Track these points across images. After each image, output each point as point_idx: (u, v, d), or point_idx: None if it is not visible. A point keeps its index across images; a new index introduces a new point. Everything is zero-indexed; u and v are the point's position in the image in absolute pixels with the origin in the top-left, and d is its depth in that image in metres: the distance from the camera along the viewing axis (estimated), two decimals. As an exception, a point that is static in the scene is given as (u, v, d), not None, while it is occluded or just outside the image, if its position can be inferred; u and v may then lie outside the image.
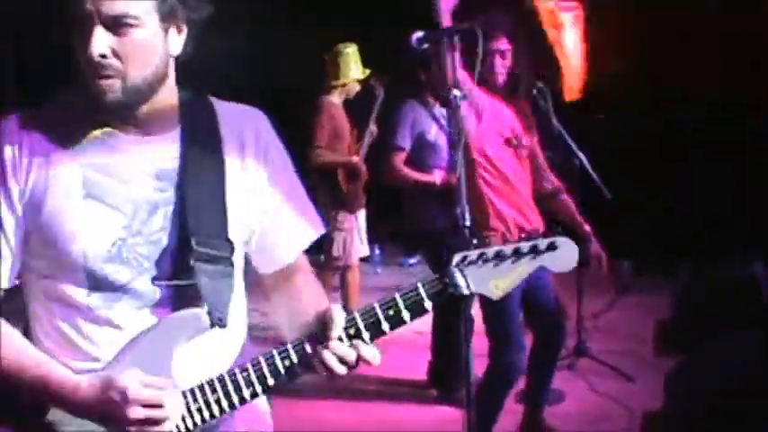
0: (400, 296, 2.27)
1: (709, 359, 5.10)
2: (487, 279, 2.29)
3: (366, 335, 2.25)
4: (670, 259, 7.70)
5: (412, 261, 10.59)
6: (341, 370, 2.25)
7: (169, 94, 2.26)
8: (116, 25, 2.08)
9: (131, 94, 2.14)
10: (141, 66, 2.13)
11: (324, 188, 7.09)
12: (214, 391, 2.19)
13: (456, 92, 4.03)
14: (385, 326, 2.26)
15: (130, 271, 2.19)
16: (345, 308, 7.19)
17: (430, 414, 6.00)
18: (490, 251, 2.29)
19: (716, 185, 9.04)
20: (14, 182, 2.17)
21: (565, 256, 2.32)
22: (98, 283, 2.18)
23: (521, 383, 6.17)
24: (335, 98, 7.31)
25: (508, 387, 5.18)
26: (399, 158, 5.97)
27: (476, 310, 6.12)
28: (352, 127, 7.40)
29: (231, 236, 2.27)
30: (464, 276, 2.29)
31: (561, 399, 6.09)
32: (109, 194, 2.19)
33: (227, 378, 2.19)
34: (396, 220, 6.31)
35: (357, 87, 7.37)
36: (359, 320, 2.24)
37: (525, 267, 2.30)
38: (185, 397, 2.18)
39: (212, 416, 2.19)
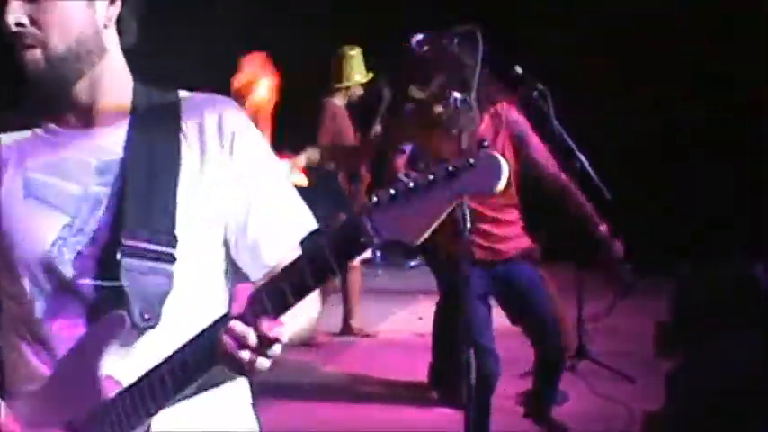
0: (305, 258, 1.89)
1: (709, 359, 5.10)
2: (399, 219, 1.82)
3: (269, 306, 1.86)
4: (670, 260, 7.71)
5: (412, 263, 10.60)
6: (244, 356, 1.85)
7: (114, 82, 2.12)
8: None
9: (56, 64, 2.00)
10: (62, 33, 2.00)
11: (324, 189, 7.10)
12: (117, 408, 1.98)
13: (456, 94, 4.05)
14: (290, 297, 1.87)
15: (73, 272, 2.06)
16: (347, 310, 7.17)
17: (430, 416, 6.01)
18: (400, 187, 1.82)
19: (716, 185, 9.05)
20: None
21: (486, 172, 1.80)
22: (42, 288, 2.07)
23: (525, 384, 6.20)
24: (339, 100, 7.35)
25: (489, 393, 5.20)
26: (401, 160, 5.96)
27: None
28: (355, 129, 7.42)
29: (181, 230, 2.05)
30: (371, 221, 1.82)
31: (565, 399, 6.09)
32: (50, 193, 2.08)
33: (130, 392, 1.98)
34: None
35: (360, 91, 7.39)
36: (262, 294, 1.89)
37: (442, 199, 1.81)
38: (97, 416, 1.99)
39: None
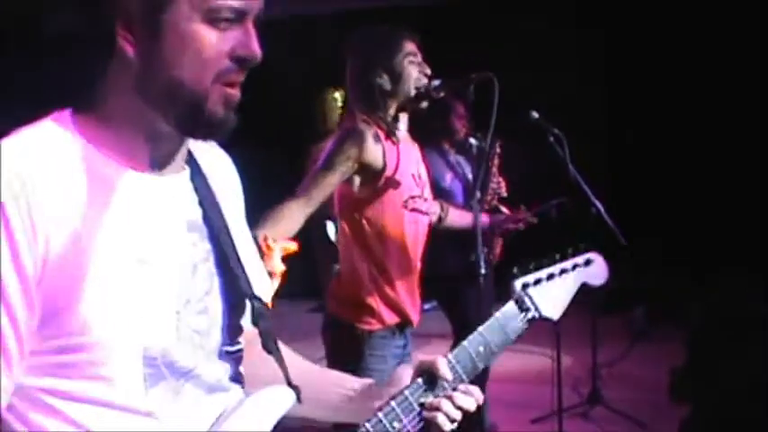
0: (483, 329, 2.23)
1: (723, 406, 5.10)
2: (548, 300, 2.38)
3: (465, 377, 2.14)
4: (685, 304, 7.71)
5: (427, 307, 10.58)
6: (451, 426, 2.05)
7: None
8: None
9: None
10: None
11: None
12: None
13: (472, 140, 4.10)
14: (479, 364, 2.19)
15: (193, 350, 1.76)
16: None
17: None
18: (543, 273, 2.40)
19: (726, 228, 9.06)
20: (26, 253, 1.57)
21: (599, 269, 2.56)
22: (159, 375, 1.71)
23: (538, 429, 6.19)
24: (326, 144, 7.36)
25: None
26: (413, 203, 5.99)
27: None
28: None
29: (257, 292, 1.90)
30: (531, 299, 2.35)
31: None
32: (154, 254, 1.70)
33: None
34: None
35: None
36: (456, 365, 2.13)
37: (572, 284, 2.46)
38: None
39: None
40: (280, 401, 1.87)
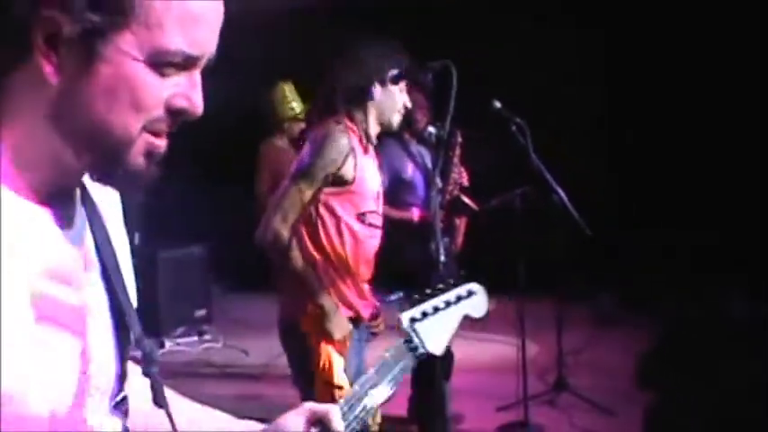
0: (375, 372, 2.19)
1: (689, 393, 5.13)
2: (432, 334, 2.36)
3: (357, 425, 2.04)
4: (651, 293, 7.76)
5: (393, 298, 10.58)
6: None
7: None
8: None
9: None
10: None
11: None
12: None
13: (432, 129, 4.08)
14: (371, 408, 2.13)
15: (98, 412, 1.54)
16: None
17: (410, 450, 5.99)
18: (429, 306, 2.38)
19: (700, 218, 9.10)
20: None
21: (480, 300, 2.53)
22: None
23: (501, 418, 6.21)
24: (278, 141, 7.29)
25: None
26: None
27: (454, 345, 6.15)
28: None
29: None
30: (417, 334, 2.34)
31: (541, 433, 6.10)
32: (58, 309, 1.42)
33: None
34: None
35: (299, 126, 7.36)
36: (348, 412, 2.04)
37: (455, 317, 2.44)
38: None
39: None
40: None
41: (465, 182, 5.94)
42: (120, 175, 1.43)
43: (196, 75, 1.43)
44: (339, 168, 3.91)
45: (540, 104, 7.71)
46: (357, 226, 4.04)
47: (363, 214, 4.02)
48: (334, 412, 1.92)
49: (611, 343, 8.34)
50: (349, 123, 4.01)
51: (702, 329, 6.33)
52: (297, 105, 7.26)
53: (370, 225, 4.08)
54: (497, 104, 6.10)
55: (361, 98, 4.03)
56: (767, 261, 7.26)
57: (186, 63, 1.40)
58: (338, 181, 3.95)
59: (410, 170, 5.94)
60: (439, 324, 2.39)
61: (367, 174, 4.03)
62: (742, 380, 5.19)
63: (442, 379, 4.11)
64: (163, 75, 1.38)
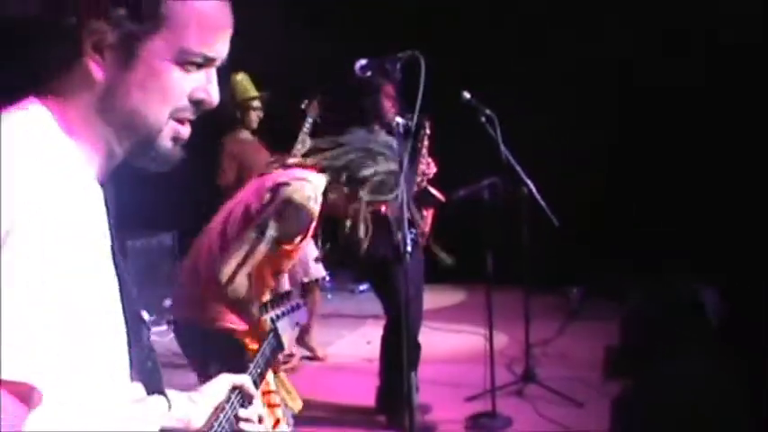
0: (260, 357, 2.76)
1: (655, 384, 5.15)
2: (283, 332, 3.07)
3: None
4: (618, 284, 7.78)
5: (362, 288, 10.61)
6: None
7: None
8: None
9: None
10: None
11: None
12: None
13: (400, 120, 4.07)
14: (257, 383, 2.61)
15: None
16: (304, 327, 7.07)
17: (378, 440, 6.01)
18: (280, 310, 3.14)
19: (662, 208, 9.14)
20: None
21: (303, 312, 3.33)
22: None
23: (470, 408, 6.23)
24: (240, 134, 7.29)
25: None
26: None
27: (422, 336, 6.17)
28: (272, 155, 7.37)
29: None
30: (277, 330, 3.04)
31: (509, 424, 6.11)
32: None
33: None
34: (342, 246, 6.29)
35: (257, 117, 7.34)
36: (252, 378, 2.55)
37: (291, 322, 3.20)
38: None
39: None
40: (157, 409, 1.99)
41: (432, 173, 5.94)
42: (152, 155, 1.75)
43: (213, 72, 1.76)
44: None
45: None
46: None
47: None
48: (247, 380, 2.43)
49: (579, 335, 8.38)
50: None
51: (669, 324, 6.35)
52: (252, 91, 7.28)
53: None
54: (467, 95, 6.12)
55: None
56: (739, 256, 7.30)
57: (205, 62, 1.73)
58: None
59: (379, 161, 5.93)
60: (286, 326, 3.11)
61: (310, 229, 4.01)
62: (709, 372, 5.21)
63: (410, 369, 4.10)
64: (187, 71, 1.71)
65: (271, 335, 2.97)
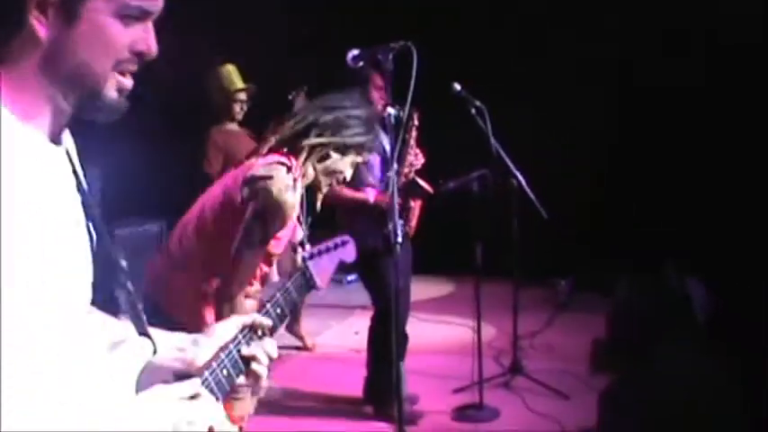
0: (281, 294, 2.69)
1: (642, 377, 5.16)
2: (318, 271, 3.07)
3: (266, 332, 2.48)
4: (607, 277, 7.78)
5: (350, 278, 10.60)
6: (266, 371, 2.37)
7: None
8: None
9: None
10: None
11: None
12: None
13: (390, 110, 4.05)
14: (277, 322, 2.60)
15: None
16: (294, 316, 7.06)
17: (365, 430, 6.00)
18: (316, 249, 3.17)
19: (661, 208, 9.15)
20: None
21: (351, 248, 3.34)
22: None
23: (457, 399, 6.24)
24: (227, 125, 7.28)
25: None
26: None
27: (410, 327, 6.17)
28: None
29: None
30: (309, 270, 3.03)
31: (496, 416, 6.12)
32: (76, 221, 1.92)
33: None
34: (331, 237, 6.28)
35: (241, 109, 7.32)
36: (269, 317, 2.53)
37: (334, 259, 3.23)
38: None
39: None
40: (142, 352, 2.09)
41: (420, 164, 5.93)
42: (99, 106, 1.84)
43: (149, 25, 1.86)
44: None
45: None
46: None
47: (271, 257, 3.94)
48: (258, 317, 2.43)
49: (567, 327, 8.39)
50: (300, 170, 3.84)
51: (657, 317, 6.36)
52: (239, 83, 7.25)
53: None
54: (457, 87, 6.12)
55: (324, 157, 3.91)
56: (739, 256, 7.30)
57: (141, 15, 1.83)
58: None
59: (367, 152, 5.92)
60: (323, 264, 3.12)
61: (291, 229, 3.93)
62: (697, 365, 5.22)
63: (398, 360, 4.10)
64: (126, 25, 1.81)
65: (298, 273, 2.94)
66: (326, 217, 6.26)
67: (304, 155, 3.84)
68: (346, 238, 3.23)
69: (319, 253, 3.12)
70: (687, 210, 8.70)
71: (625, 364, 5.90)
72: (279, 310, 2.62)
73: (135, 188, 9.23)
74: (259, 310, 2.55)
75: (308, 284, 3.00)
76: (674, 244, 8.24)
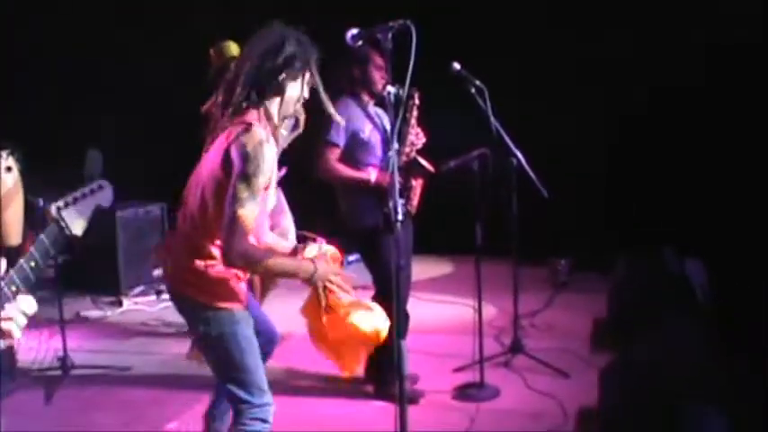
0: (34, 248, 2.80)
1: (642, 355, 5.17)
2: (74, 219, 3.00)
3: (22, 287, 2.69)
4: (606, 257, 7.80)
5: (351, 258, 10.59)
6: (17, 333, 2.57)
7: None
8: None
9: None
10: None
11: None
12: None
13: (391, 89, 4.06)
14: (32, 276, 2.74)
15: None
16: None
17: (365, 409, 6.01)
18: (70, 198, 3.03)
19: (650, 182, 9.15)
20: None
21: (107, 193, 3.17)
22: None
23: (458, 378, 6.26)
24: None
25: None
26: (334, 155, 5.93)
27: (410, 307, 6.18)
28: None
29: None
30: (64, 219, 2.96)
31: (497, 395, 6.13)
32: None
33: None
34: (332, 217, 6.28)
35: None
36: (15, 277, 2.69)
37: (89, 205, 3.08)
38: None
39: None
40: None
41: (421, 143, 5.93)
42: None
43: None
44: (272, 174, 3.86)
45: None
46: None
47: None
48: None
49: (567, 306, 8.41)
50: (264, 119, 3.90)
51: (656, 295, 6.37)
52: (236, 52, 7.23)
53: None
54: (457, 66, 6.12)
55: (277, 90, 3.92)
56: (738, 256, 7.31)
57: None
58: None
59: (368, 131, 5.92)
60: (79, 211, 3.03)
61: (274, 167, 3.98)
62: (694, 343, 5.24)
63: (399, 338, 4.11)
64: None
65: (53, 224, 2.95)
66: (327, 206, 6.30)
67: (258, 107, 3.89)
68: (103, 182, 3.17)
69: (74, 200, 3.07)
70: (686, 197, 8.72)
71: (625, 342, 5.93)
72: (32, 263, 2.76)
73: (136, 170, 9.25)
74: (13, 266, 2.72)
75: (63, 234, 2.98)
76: (674, 225, 8.26)
